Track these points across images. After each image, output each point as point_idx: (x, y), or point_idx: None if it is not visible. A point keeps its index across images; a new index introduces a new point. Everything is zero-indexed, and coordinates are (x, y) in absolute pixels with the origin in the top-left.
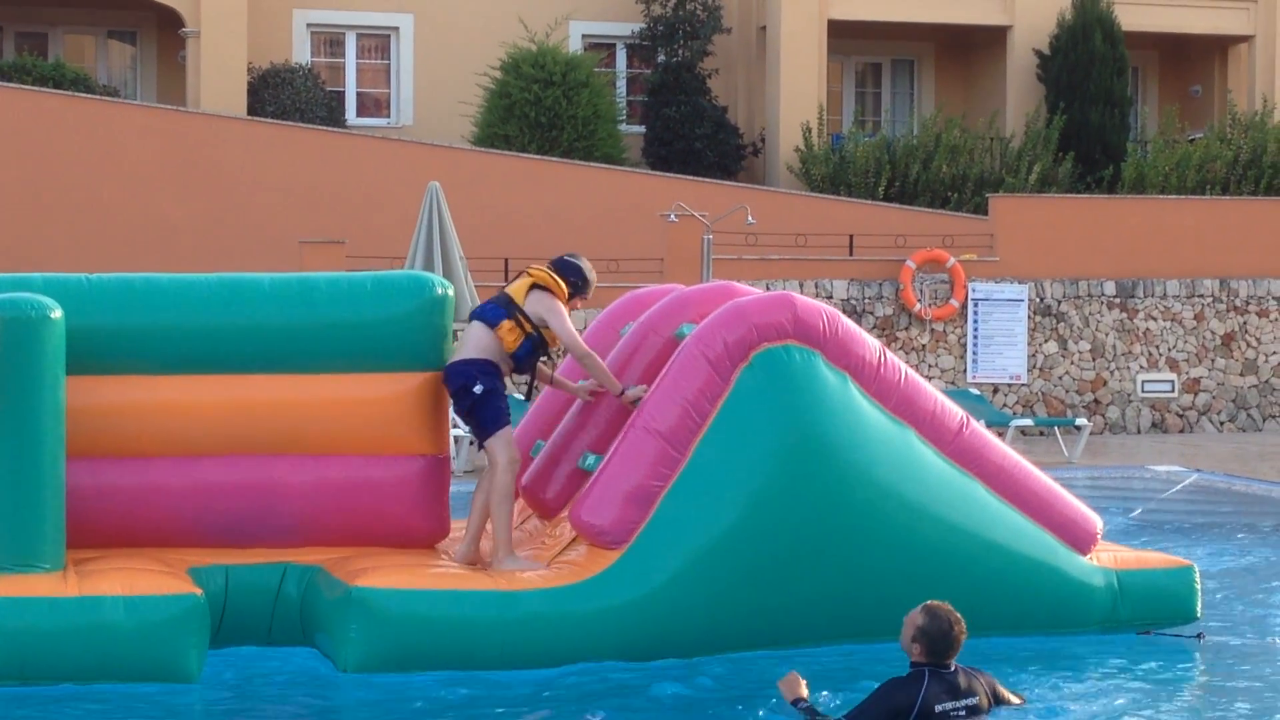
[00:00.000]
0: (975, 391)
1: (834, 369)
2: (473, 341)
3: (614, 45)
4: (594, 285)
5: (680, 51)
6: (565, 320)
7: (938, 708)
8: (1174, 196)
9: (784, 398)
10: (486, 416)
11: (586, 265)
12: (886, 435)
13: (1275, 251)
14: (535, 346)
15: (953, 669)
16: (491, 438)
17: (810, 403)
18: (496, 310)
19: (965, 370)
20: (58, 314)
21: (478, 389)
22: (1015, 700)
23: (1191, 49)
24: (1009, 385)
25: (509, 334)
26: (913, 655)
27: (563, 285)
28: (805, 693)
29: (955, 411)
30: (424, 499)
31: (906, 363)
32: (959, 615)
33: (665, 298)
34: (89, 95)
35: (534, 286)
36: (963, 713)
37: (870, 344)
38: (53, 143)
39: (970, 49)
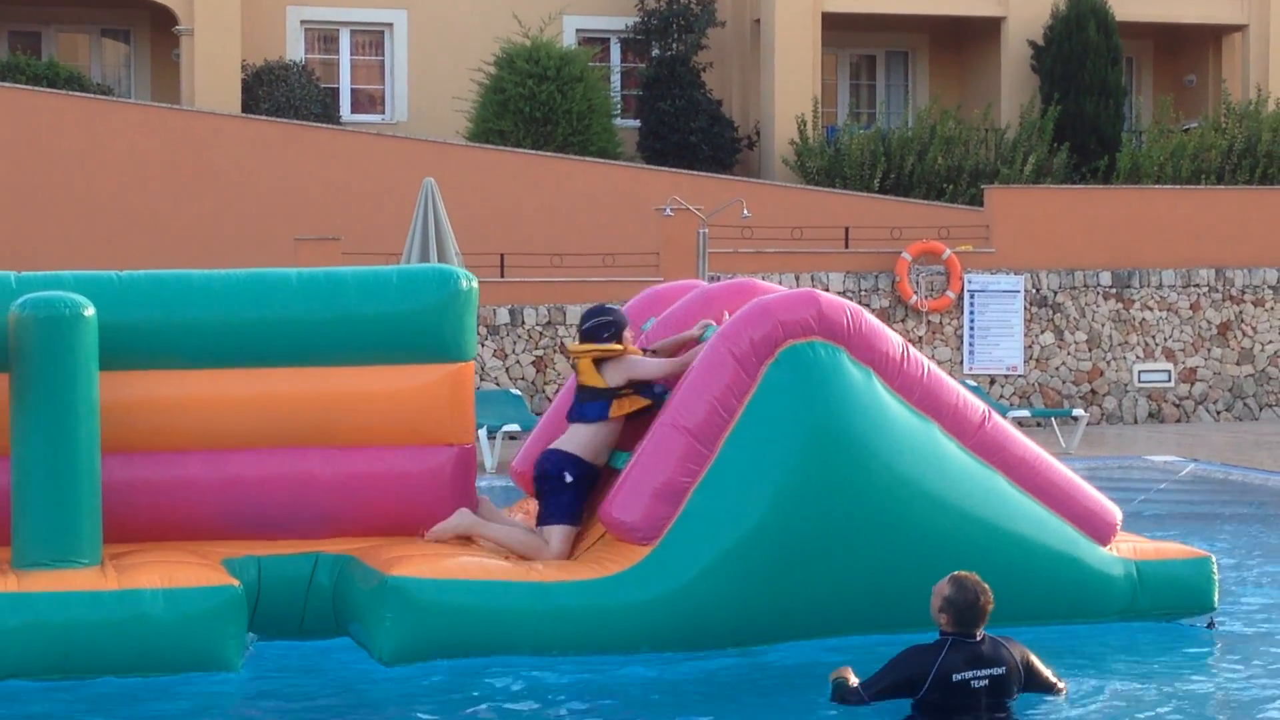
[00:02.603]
0: (972, 383)
1: (858, 364)
2: (572, 439)
3: (608, 39)
4: (625, 320)
5: (674, 45)
6: (645, 364)
7: (955, 676)
8: (1169, 186)
9: (810, 393)
10: (554, 507)
11: (603, 313)
12: (911, 429)
13: (1270, 241)
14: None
15: (979, 638)
16: (553, 526)
17: (836, 398)
18: (595, 407)
19: (962, 362)
20: (91, 312)
21: (568, 478)
22: (1056, 683)
23: (1185, 39)
24: (1006, 376)
25: (627, 408)
26: (940, 625)
27: (610, 348)
28: (851, 675)
29: (977, 405)
30: (451, 488)
31: None
32: (986, 585)
33: (688, 295)
34: (83, 94)
35: (602, 364)
36: (985, 681)
37: (893, 339)
38: (47, 142)
39: (964, 40)
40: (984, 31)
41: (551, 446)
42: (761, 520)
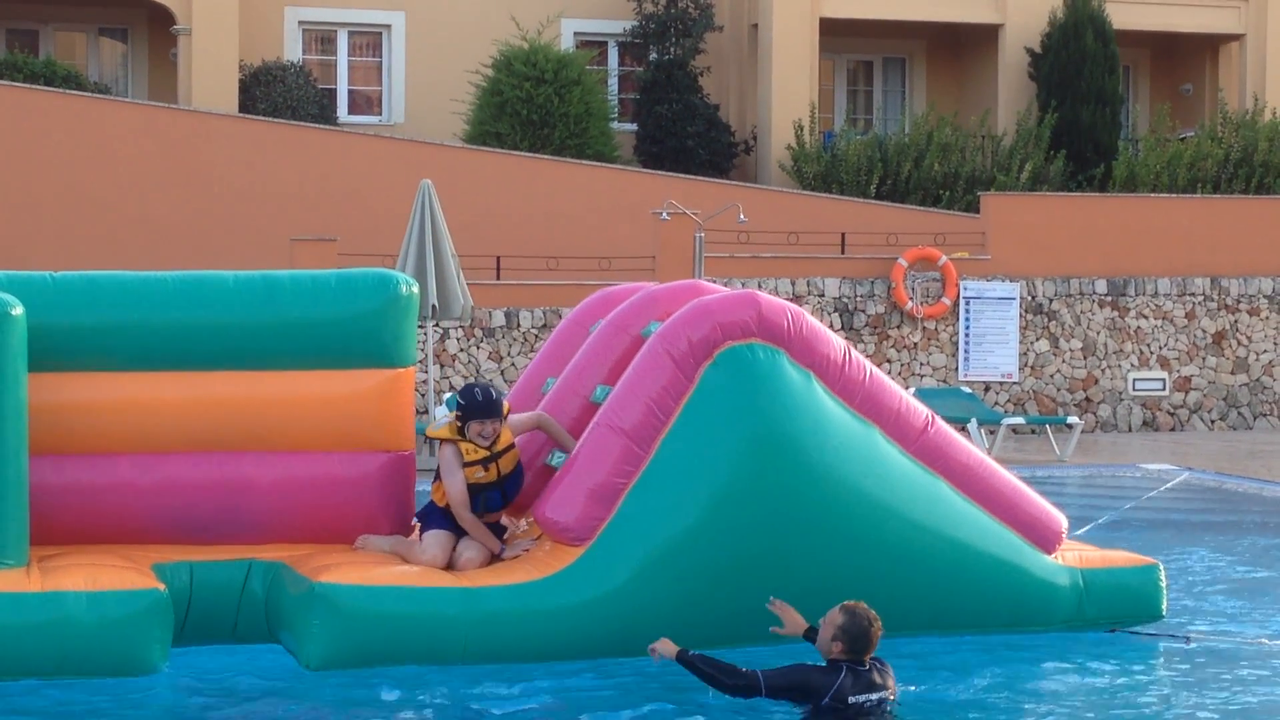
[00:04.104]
0: (967, 390)
1: (798, 367)
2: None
3: (606, 43)
4: (487, 402)
5: (672, 49)
6: (450, 478)
7: (851, 699)
8: (1165, 195)
9: (748, 396)
10: (429, 525)
11: (472, 389)
12: (851, 433)
13: (1266, 250)
14: (476, 492)
15: (868, 666)
16: (428, 532)
17: (774, 401)
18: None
19: (957, 368)
20: (19, 311)
21: (415, 523)
22: None
23: (1182, 47)
24: (1000, 383)
25: (436, 493)
26: (833, 653)
27: (443, 431)
28: (671, 646)
29: (920, 410)
30: (388, 495)
31: (898, 361)
32: (876, 613)
33: (633, 296)
34: (80, 92)
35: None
36: (875, 702)
37: (835, 342)
38: (44, 140)
39: (962, 47)
40: (981, 39)
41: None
42: (697, 523)
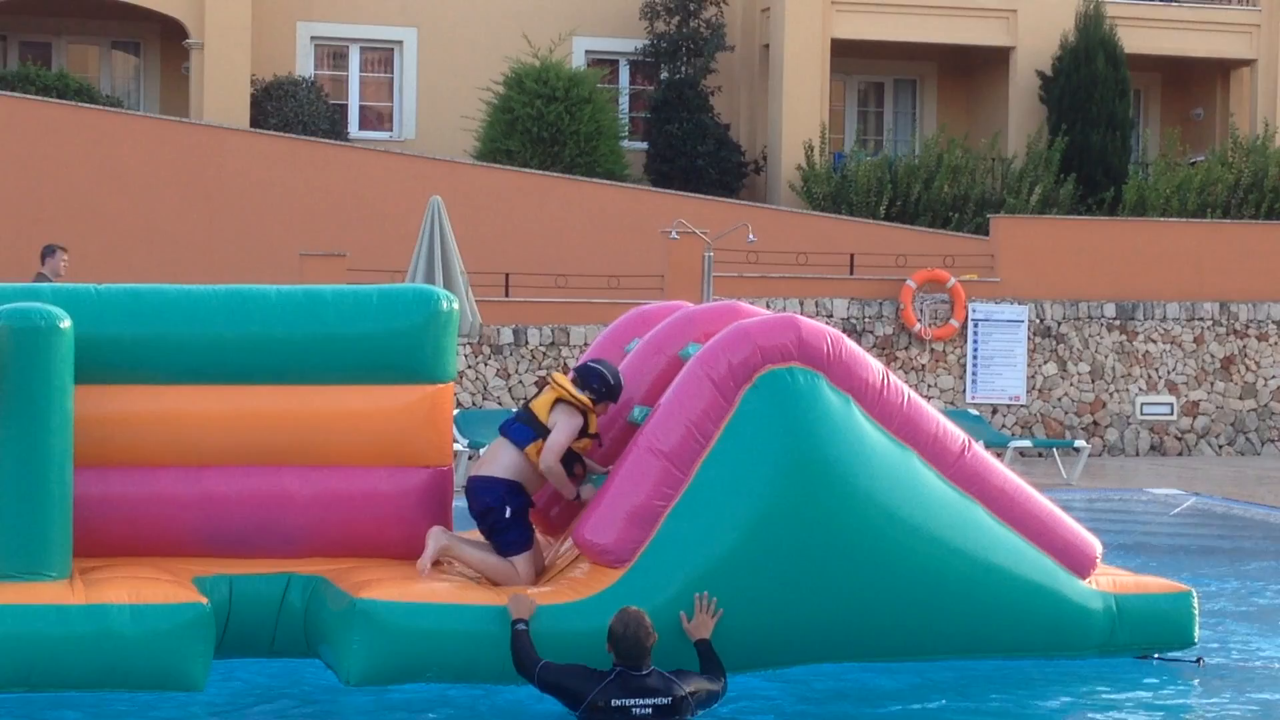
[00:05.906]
0: (974, 412)
1: (837, 391)
2: (501, 460)
3: (617, 61)
4: (621, 388)
5: (683, 68)
6: (562, 438)
7: (614, 702)
8: (1175, 219)
9: (787, 420)
10: (510, 539)
11: (609, 370)
12: (889, 458)
13: (1275, 275)
14: (569, 461)
15: (646, 672)
16: (515, 557)
17: (813, 425)
18: (524, 431)
19: (964, 390)
20: (67, 324)
21: (507, 513)
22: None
23: (1193, 72)
24: (1008, 406)
25: (538, 454)
26: (611, 654)
27: (584, 398)
28: (528, 616)
29: (957, 434)
30: (427, 510)
31: (906, 382)
32: (647, 619)
33: (671, 316)
34: (92, 105)
35: (558, 402)
36: (649, 709)
37: (874, 367)
38: (55, 153)
39: (973, 69)
40: (993, 61)
41: (485, 473)
42: (736, 546)
